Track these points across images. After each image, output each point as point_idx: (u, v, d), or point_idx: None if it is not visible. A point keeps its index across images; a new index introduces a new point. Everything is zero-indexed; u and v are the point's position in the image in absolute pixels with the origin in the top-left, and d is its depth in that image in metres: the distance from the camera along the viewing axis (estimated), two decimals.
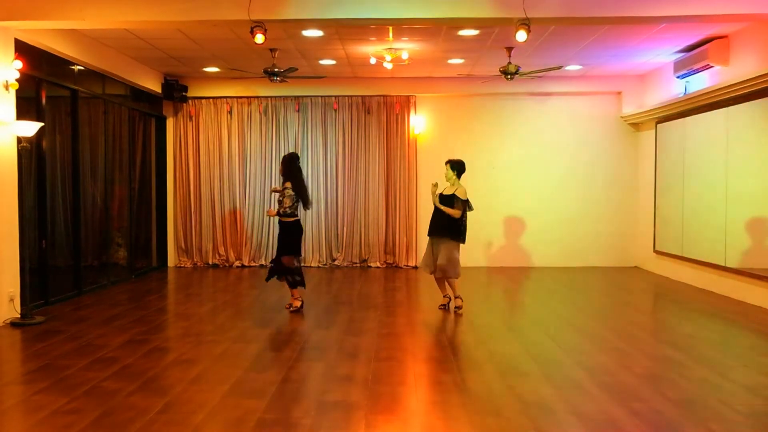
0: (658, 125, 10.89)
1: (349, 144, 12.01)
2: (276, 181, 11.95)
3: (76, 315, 7.57)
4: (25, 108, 7.46)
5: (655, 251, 11.07)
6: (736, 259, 8.59)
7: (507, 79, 9.49)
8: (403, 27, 8.10)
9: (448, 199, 7.60)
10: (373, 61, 9.57)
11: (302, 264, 11.25)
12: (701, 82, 9.36)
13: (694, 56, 9.16)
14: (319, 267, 11.90)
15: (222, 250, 12.06)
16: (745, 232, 8.46)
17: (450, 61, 10.39)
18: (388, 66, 9.48)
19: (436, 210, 7.67)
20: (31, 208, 7.69)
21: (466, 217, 7.61)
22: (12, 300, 7.06)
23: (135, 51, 9.65)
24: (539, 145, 12.06)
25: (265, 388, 4.82)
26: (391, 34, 8.62)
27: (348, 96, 12.00)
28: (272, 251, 11.98)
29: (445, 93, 11.98)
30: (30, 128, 7.00)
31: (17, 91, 7.10)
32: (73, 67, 8.69)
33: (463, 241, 7.65)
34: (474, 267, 11.87)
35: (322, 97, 11.96)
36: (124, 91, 10.40)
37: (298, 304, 7.68)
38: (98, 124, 9.60)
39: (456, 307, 7.66)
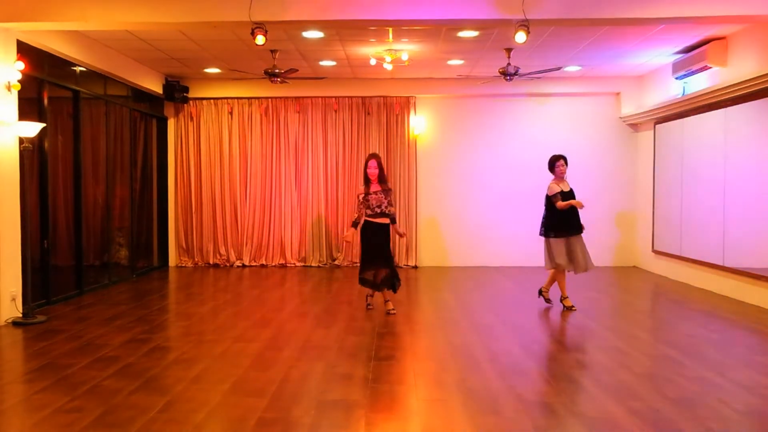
0: (657, 126, 10.92)
1: (349, 145, 12.05)
2: (275, 181, 12.02)
3: (78, 314, 7.61)
4: (27, 109, 7.50)
5: (654, 251, 11.10)
6: (735, 258, 8.62)
7: (506, 80, 9.53)
8: (402, 28, 8.14)
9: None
10: (373, 62, 9.60)
11: (306, 264, 11.25)
12: (700, 83, 9.40)
13: (692, 57, 9.20)
14: (319, 267, 11.93)
15: (223, 250, 12.09)
16: (743, 232, 8.49)
17: (450, 62, 10.42)
18: (388, 67, 9.52)
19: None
20: (33, 208, 7.73)
21: (554, 212, 7.85)
22: (14, 299, 7.10)
23: (136, 52, 9.68)
24: (538, 146, 12.03)
25: (265, 387, 4.85)
26: (391, 36, 8.65)
27: (348, 97, 12.03)
28: (272, 251, 12.04)
29: (445, 94, 12.02)
30: (32, 129, 7.04)
31: (19, 92, 7.15)
32: (74, 68, 8.73)
33: (552, 236, 7.89)
34: (473, 266, 11.92)
35: (322, 98, 12.00)
36: (126, 91, 10.43)
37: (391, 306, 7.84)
38: (100, 124, 9.64)
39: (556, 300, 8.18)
